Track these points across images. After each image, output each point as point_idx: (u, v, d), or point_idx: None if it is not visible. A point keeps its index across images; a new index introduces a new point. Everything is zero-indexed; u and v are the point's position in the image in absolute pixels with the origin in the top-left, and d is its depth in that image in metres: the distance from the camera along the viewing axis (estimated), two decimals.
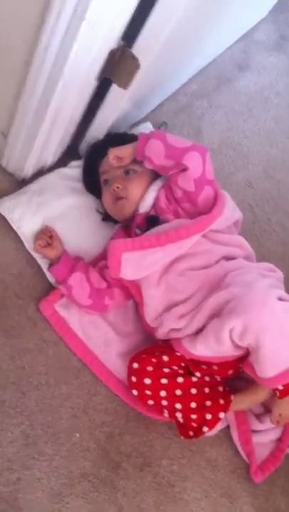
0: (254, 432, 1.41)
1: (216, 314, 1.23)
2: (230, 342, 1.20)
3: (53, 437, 1.31)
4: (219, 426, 1.38)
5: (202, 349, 1.25)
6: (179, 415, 1.31)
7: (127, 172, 1.41)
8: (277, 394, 1.28)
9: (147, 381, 1.29)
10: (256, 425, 1.41)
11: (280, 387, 1.26)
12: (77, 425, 1.34)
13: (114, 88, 1.32)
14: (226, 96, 1.92)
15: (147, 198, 1.40)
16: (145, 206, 1.40)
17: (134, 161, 1.39)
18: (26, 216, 1.44)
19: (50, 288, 1.45)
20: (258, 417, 1.42)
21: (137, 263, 1.31)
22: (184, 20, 1.22)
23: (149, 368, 1.30)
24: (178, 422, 1.34)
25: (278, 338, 1.17)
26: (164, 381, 1.29)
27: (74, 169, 1.56)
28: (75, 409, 1.35)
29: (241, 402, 1.36)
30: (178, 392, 1.30)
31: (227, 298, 1.21)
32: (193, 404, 1.30)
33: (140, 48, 1.20)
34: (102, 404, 1.38)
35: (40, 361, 1.38)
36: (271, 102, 1.98)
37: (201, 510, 1.33)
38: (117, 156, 1.37)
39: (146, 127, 1.67)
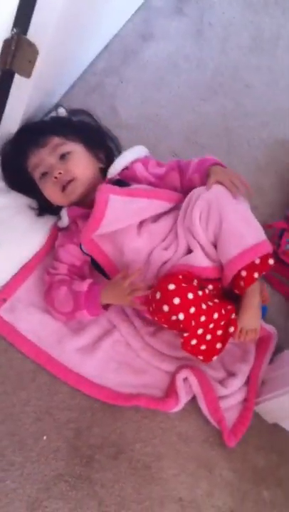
0: (220, 398, 1.39)
1: None
2: (201, 229, 1.27)
3: (20, 445, 1.24)
4: (185, 399, 1.35)
5: (198, 256, 1.28)
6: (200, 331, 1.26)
7: (62, 156, 1.36)
8: (242, 284, 1.28)
9: (190, 296, 1.22)
10: (221, 391, 1.38)
11: (244, 274, 1.27)
12: (43, 428, 1.28)
13: (17, 79, 1.24)
14: (134, 68, 1.86)
15: (117, 165, 1.40)
16: (113, 172, 1.40)
17: (62, 141, 1.36)
18: None
19: None
20: (222, 382, 1.40)
21: (122, 208, 1.30)
22: None
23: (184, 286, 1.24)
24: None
25: (238, 217, 1.26)
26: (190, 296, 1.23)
27: None
28: (38, 413, 1.29)
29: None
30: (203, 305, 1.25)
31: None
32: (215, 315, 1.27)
33: (35, 33, 1.12)
34: (64, 402, 1.32)
35: None
36: (180, 67, 1.93)
37: (181, 484, 1.30)
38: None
39: (60, 113, 1.59)
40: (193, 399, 1.38)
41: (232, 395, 1.39)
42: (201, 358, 1.31)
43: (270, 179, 1.82)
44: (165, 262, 1.34)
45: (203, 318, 1.24)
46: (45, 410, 1.30)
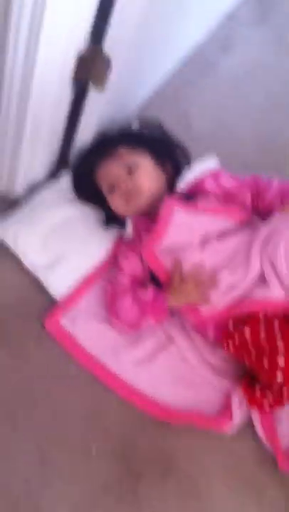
0: (277, 420, 1.33)
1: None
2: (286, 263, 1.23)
3: (69, 453, 1.24)
4: (239, 418, 1.31)
5: (276, 288, 1.23)
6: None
7: (129, 168, 1.35)
8: None
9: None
10: (279, 413, 1.33)
11: None
12: (93, 437, 1.27)
13: (92, 92, 1.23)
14: (212, 80, 1.83)
15: (187, 178, 1.40)
16: (182, 185, 1.39)
17: (130, 153, 1.36)
18: (20, 235, 1.37)
19: (53, 304, 1.38)
20: None
21: (185, 223, 1.29)
22: (154, 10, 1.14)
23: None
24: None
25: None
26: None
27: (65, 181, 1.48)
28: (89, 419, 1.28)
29: None
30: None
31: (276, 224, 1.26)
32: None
33: (111, 46, 1.11)
34: (116, 414, 1.30)
35: (48, 372, 1.31)
36: (258, 77, 1.87)
37: (228, 506, 1.26)
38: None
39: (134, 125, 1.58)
40: (249, 419, 1.34)
41: None
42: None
43: None
44: (232, 286, 1.28)
45: None
46: (97, 418, 1.29)
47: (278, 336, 1.21)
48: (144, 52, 1.34)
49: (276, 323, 1.23)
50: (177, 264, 1.31)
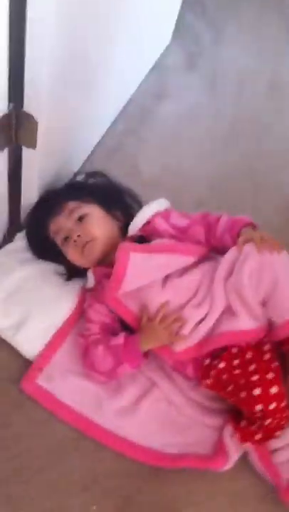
0: (274, 451, 1.26)
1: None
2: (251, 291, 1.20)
3: None
4: (235, 455, 1.24)
5: (245, 319, 1.21)
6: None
7: (80, 218, 1.35)
8: None
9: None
10: (274, 443, 1.26)
11: None
12: (92, 497, 1.20)
13: (26, 151, 1.24)
14: (152, 127, 1.84)
15: (137, 221, 1.37)
16: (134, 229, 1.37)
17: (78, 205, 1.36)
18: None
19: (26, 365, 1.33)
20: None
21: (143, 265, 1.26)
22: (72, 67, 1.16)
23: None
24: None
25: None
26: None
27: (19, 242, 1.47)
28: (85, 482, 1.22)
29: None
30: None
31: (236, 256, 1.23)
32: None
33: (30, 104, 1.12)
34: (110, 468, 1.24)
35: (35, 443, 1.25)
36: (198, 120, 1.90)
37: None
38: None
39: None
40: (246, 453, 1.27)
41: (285, 447, 1.26)
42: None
43: None
44: (200, 321, 1.26)
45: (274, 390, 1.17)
46: (92, 478, 1.23)
47: (252, 368, 1.19)
48: (75, 106, 1.35)
49: (249, 355, 1.21)
50: (142, 307, 1.29)
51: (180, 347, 1.26)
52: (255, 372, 1.18)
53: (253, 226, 1.32)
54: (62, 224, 1.36)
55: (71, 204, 1.37)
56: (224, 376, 1.21)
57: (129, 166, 1.73)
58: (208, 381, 1.24)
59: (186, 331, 1.25)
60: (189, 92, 1.96)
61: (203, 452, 1.26)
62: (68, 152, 1.53)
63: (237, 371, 1.20)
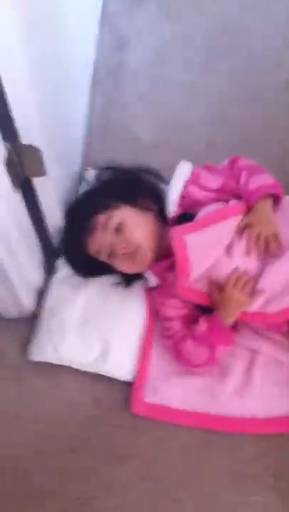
0: None
1: None
2: None
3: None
4: None
5: None
6: None
7: (117, 230, 1.22)
8: None
9: None
10: None
11: None
12: (245, 488, 1.15)
13: (37, 181, 1.11)
14: (129, 86, 1.69)
15: (173, 200, 1.28)
16: (173, 209, 1.28)
17: (108, 215, 1.23)
18: (58, 343, 1.26)
19: (127, 390, 1.25)
20: None
21: (202, 244, 1.17)
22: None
23: None
24: None
25: None
26: None
27: (64, 269, 1.37)
28: (233, 477, 1.16)
29: None
30: None
31: None
32: None
33: (26, 134, 0.98)
34: (253, 453, 1.18)
35: (169, 463, 1.19)
36: (169, 53, 1.74)
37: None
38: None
39: (89, 177, 1.47)
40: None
41: None
42: None
43: None
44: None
45: None
46: (238, 470, 1.17)
47: None
48: (63, 111, 1.22)
49: None
50: (211, 284, 1.20)
51: (269, 304, 1.17)
52: None
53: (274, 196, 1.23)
54: (101, 241, 1.24)
55: (101, 217, 1.24)
56: None
57: (126, 138, 1.60)
58: None
59: (263, 285, 1.17)
60: (147, 28, 1.77)
61: None
62: (67, 152, 1.40)
63: None
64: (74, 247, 1.29)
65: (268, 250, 1.18)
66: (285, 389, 1.23)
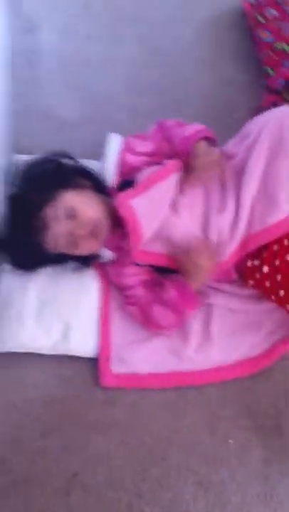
0: None
1: None
2: None
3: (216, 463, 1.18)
4: None
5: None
6: None
7: (69, 216, 1.19)
8: None
9: None
10: None
11: None
12: (221, 435, 1.21)
13: None
14: (47, 67, 1.66)
15: (110, 170, 1.30)
16: (112, 180, 1.30)
17: (54, 206, 1.19)
18: (18, 332, 1.26)
19: (94, 366, 1.27)
20: None
21: (148, 205, 1.19)
22: None
23: None
24: None
25: None
26: None
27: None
28: (212, 426, 1.21)
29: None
30: None
31: None
32: None
33: None
34: (224, 401, 1.24)
35: (147, 426, 1.22)
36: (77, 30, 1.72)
37: None
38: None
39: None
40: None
41: None
42: None
43: None
44: (233, 222, 1.20)
45: None
46: (213, 418, 1.22)
47: None
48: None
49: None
50: (168, 243, 1.23)
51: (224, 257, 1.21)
52: None
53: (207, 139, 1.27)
54: (58, 233, 1.20)
55: (49, 211, 1.19)
56: (267, 283, 1.19)
57: (51, 119, 1.56)
58: (252, 282, 1.23)
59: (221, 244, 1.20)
60: (54, 7, 1.74)
61: None
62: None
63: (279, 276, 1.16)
64: (25, 248, 1.24)
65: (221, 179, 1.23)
66: (241, 334, 1.29)
